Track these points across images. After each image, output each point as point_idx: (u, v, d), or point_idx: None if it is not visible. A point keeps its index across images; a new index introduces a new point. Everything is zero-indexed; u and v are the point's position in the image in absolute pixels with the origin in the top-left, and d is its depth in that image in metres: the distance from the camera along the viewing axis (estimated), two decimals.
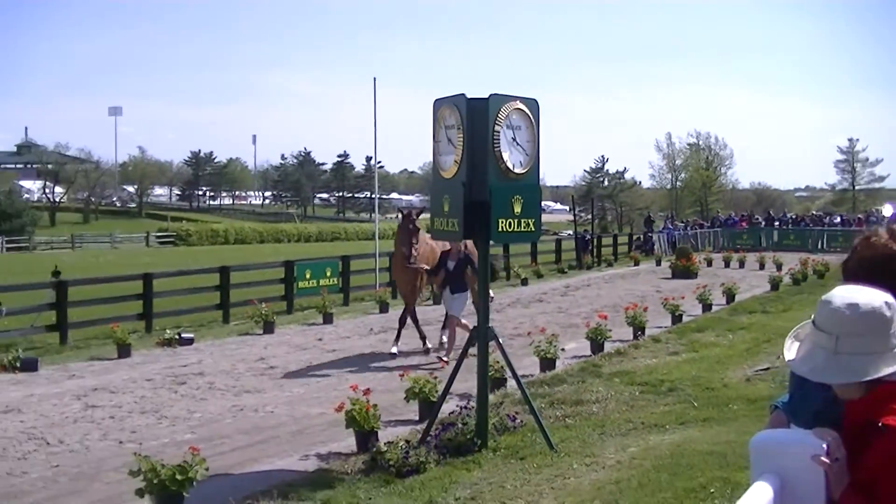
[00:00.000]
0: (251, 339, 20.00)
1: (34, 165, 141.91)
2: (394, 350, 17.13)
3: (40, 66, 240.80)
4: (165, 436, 11.57)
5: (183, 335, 19.24)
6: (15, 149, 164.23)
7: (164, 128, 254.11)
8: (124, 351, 17.56)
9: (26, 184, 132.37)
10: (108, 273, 29.97)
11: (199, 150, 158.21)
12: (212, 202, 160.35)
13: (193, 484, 8.13)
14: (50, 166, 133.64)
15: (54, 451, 10.87)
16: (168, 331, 19.46)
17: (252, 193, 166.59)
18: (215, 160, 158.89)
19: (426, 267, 16.99)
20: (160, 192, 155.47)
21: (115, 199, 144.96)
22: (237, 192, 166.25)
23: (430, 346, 17.47)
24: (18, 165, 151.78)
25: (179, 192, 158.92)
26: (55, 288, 19.62)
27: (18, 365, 16.14)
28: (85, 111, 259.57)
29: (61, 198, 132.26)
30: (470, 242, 15.65)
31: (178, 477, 8.04)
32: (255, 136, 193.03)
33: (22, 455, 10.70)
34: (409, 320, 17.63)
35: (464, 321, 16.20)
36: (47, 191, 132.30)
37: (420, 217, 17.44)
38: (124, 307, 21.16)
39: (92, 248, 77.92)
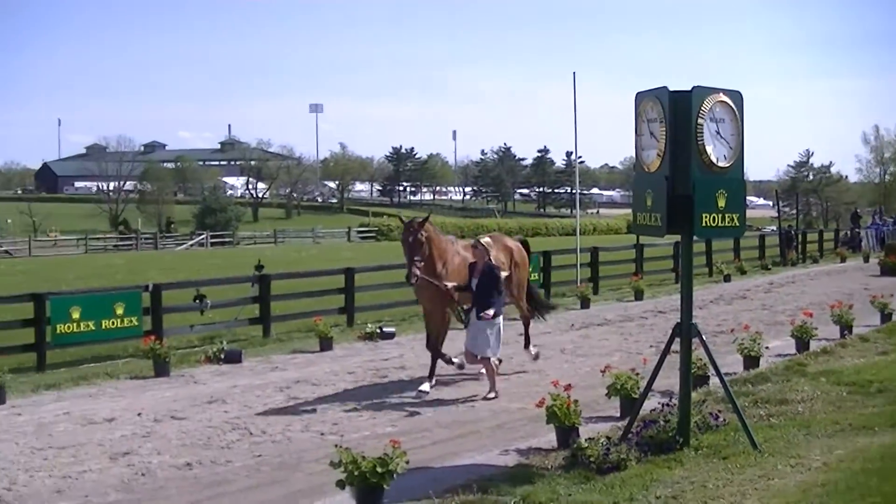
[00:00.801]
0: (451, 335, 20.10)
1: (237, 162, 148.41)
2: (425, 388, 13.71)
3: (243, 66, 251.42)
4: (366, 428, 11.81)
5: (384, 329, 19.58)
6: (219, 146, 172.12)
7: (364, 124, 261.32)
8: (326, 344, 18.03)
9: (230, 180, 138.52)
10: (310, 267, 30.75)
11: (400, 146, 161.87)
12: (412, 197, 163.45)
13: (394, 476, 8.22)
14: (253, 163, 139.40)
15: (257, 441, 11.24)
16: (369, 325, 19.85)
17: (452, 189, 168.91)
18: (416, 156, 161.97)
19: (450, 285, 13.96)
20: (361, 188, 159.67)
21: (316, 194, 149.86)
22: (437, 188, 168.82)
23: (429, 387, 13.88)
24: (222, 162, 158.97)
25: (380, 188, 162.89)
26: (258, 282, 20.31)
27: (223, 357, 16.84)
28: (286, 109, 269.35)
29: (264, 194, 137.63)
30: (498, 246, 15.04)
31: (379, 469, 8.14)
32: (454, 132, 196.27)
33: (226, 444, 11.11)
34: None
35: (494, 362, 13.82)
36: (250, 187, 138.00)
37: (426, 224, 14.02)
38: (326, 301, 21.74)
39: (294, 243, 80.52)
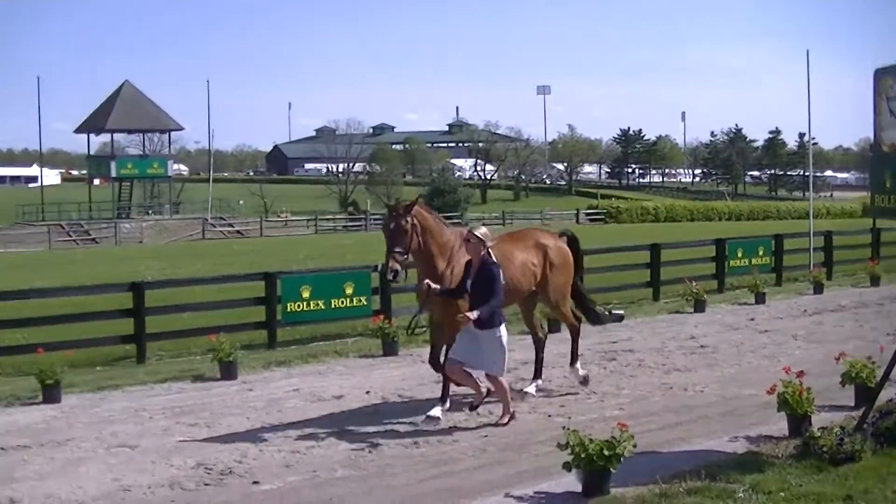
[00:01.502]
0: (681, 318, 19.91)
1: (465, 144, 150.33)
2: (436, 414, 11.35)
3: (470, 48, 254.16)
4: (594, 411, 11.79)
5: (613, 311, 19.45)
6: (447, 128, 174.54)
7: (592, 106, 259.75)
8: (555, 326, 18.04)
9: (458, 162, 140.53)
10: None
11: (628, 128, 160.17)
12: (641, 180, 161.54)
13: (620, 460, 8.18)
14: (481, 144, 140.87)
15: (483, 421, 11.39)
16: (599, 307, 19.74)
17: (681, 171, 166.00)
18: (644, 137, 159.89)
19: (435, 286, 11.19)
20: (589, 170, 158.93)
21: (544, 176, 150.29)
22: (666, 170, 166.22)
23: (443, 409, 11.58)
24: (451, 144, 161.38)
25: (608, 170, 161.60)
26: None
27: None
28: (513, 90, 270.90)
29: (492, 175, 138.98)
30: (524, 244, 12.72)
31: (606, 452, 8.12)
32: (683, 113, 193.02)
33: (452, 423, 11.28)
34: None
35: (502, 380, 11.27)
36: (478, 169, 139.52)
37: (414, 208, 11.52)
38: None
39: (523, 225, 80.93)
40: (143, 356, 16.07)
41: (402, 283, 12.03)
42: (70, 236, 70.06)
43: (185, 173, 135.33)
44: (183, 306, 18.10)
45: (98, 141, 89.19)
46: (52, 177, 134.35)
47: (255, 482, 9.24)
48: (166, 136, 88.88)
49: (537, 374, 13.05)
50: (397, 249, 11.30)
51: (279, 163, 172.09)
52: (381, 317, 16.87)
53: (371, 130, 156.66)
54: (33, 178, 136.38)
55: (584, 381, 13.08)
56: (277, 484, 9.19)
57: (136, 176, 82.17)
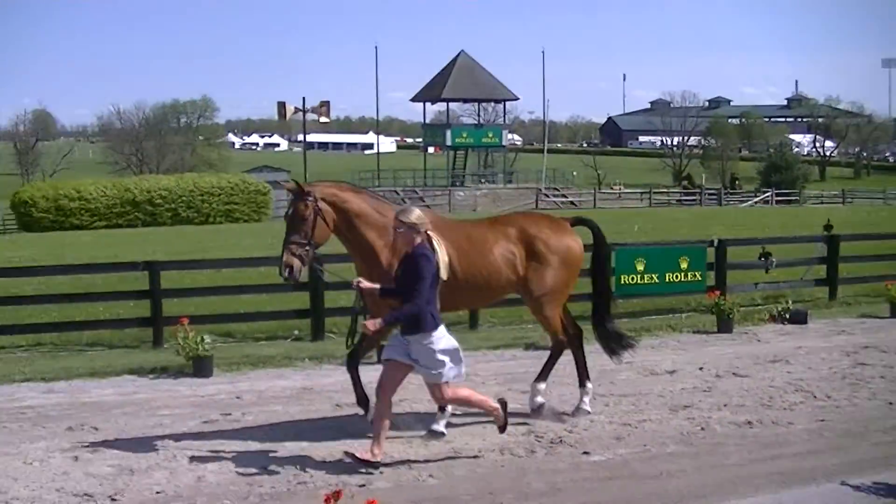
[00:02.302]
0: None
1: (804, 119, 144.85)
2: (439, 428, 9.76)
3: (810, 20, 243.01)
4: None
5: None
6: (785, 102, 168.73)
7: None
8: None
9: (796, 137, 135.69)
10: (880, 230, 29.49)
11: None
12: None
13: None
14: (820, 120, 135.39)
15: (820, 405, 11.07)
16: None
17: None
18: None
19: (364, 283, 9.25)
20: None
21: (887, 154, 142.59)
22: None
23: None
24: (788, 119, 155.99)
25: None
26: (827, 243, 19.83)
27: (787, 317, 16.74)
28: (856, 63, 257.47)
29: (831, 152, 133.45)
30: (501, 231, 10.54)
31: None
32: None
33: (788, 405, 11.05)
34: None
35: (461, 392, 9.29)
36: (817, 145, 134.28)
37: (324, 189, 9.80)
38: None
39: (863, 204, 77.18)
40: (475, 323, 16.61)
41: (300, 280, 9.95)
42: (404, 203, 72.96)
43: (518, 143, 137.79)
44: None
45: (433, 110, 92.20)
46: (387, 144, 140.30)
47: (584, 452, 9.41)
48: (501, 105, 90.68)
49: (582, 382, 11.00)
50: (294, 240, 9.54)
51: (613, 135, 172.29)
52: (717, 293, 16.66)
53: (706, 103, 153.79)
54: (369, 146, 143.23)
55: (538, 409, 10.70)
56: (607, 455, 9.32)
57: (471, 145, 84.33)
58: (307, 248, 9.55)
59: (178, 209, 56.64)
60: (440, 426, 9.69)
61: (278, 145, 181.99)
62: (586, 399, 10.86)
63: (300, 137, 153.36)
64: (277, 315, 16.58)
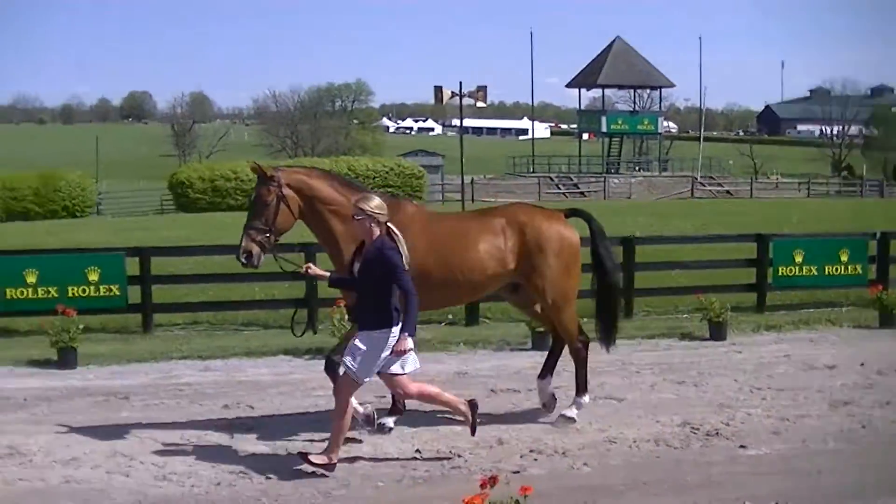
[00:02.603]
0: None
1: None
2: (388, 422, 9.70)
3: None
4: None
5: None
6: None
7: None
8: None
9: None
10: None
11: None
12: None
13: None
14: None
15: None
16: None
17: None
18: None
19: (321, 273, 9.14)
20: None
21: None
22: None
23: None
24: None
25: None
26: None
27: None
28: None
29: None
30: (487, 224, 9.89)
31: None
32: None
33: None
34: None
35: (429, 388, 9.05)
36: None
37: (288, 174, 9.43)
38: None
39: None
40: (630, 311, 16.43)
41: (257, 267, 9.43)
42: (559, 189, 72.58)
43: (673, 131, 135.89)
44: (672, 263, 18.31)
45: (588, 96, 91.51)
46: (541, 130, 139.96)
47: (741, 446, 9.24)
48: (656, 92, 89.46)
49: (579, 390, 10.23)
50: (254, 225, 9.21)
51: (770, 123, 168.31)
52: (880, 287, 16.13)
53: (869, 92, 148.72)
54: (523, 131, 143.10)
55: (569, 419, 9.97)
56: (764, 450, 9.13)
57: (626, 132, 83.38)
58: (268, 234, 9.21)
59: None
60: (390, 421, 9.53)
61: (432, 129, 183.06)
62: (577, 406, 10.12)
63: (454, 122, 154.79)
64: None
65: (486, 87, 19.29)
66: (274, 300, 16.69)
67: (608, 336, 10.58)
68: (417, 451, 9.02)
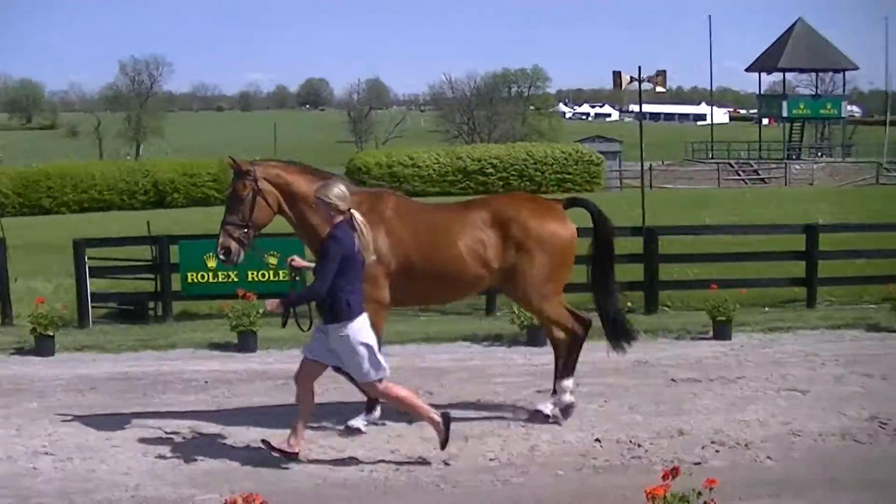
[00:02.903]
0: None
1: None
2: (356, 424, 9.36)
3: None
4: None
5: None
6: None
7: None
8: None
9: None
10: None
11: None
12: None
13: None
14: None
15: None
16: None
17: None
18: None
19: (305, 264, 8.97)
20: None
21: None
22: None
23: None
24: None
25: None
26: None
27: None
28: None
29: None
30: (472, 217, 9.44)
31: None
32: None
33: None
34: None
35: (400, 391, 8.61)
36: None
37: (263, 168, 9.28)
38: None
39: None
40: (813, 300, 15.99)
41: (237, 263, 9.45)
42: (738, 175, 71.00)
43: (857, 115, 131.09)
44: (857, 252, 17.68)
45: (768, 80, 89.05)
46: (720, 115, 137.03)
47: None
48: (839, 75, 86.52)
49: (566, 374, 9.74)
50: (231, 221, 9.14)
51: None
52: None
53: None
54: (701, 116, 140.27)
55: (556, 414, 9.61)
56: None
57: (808, 116, 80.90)
58: (246, 230, 9.15)
59: (510, 178, 57.42)
60: (358, 422, 9.30)
61: (609, 115, 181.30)
62: (552, 402, 9.70)
63: (632, 107, 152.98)
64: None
65: (665, 71, 18.90)
66: None
67: (617, 335, 10.01)
68: (597, 439, 8.97)
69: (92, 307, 15.46)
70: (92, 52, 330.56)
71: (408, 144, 74.43)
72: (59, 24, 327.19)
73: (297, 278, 9.54)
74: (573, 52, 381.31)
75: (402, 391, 8.59)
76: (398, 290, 9.23)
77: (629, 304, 15.60)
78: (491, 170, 57.53)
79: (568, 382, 9.64)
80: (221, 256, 9.24)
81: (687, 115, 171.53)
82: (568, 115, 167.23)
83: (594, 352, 12.45)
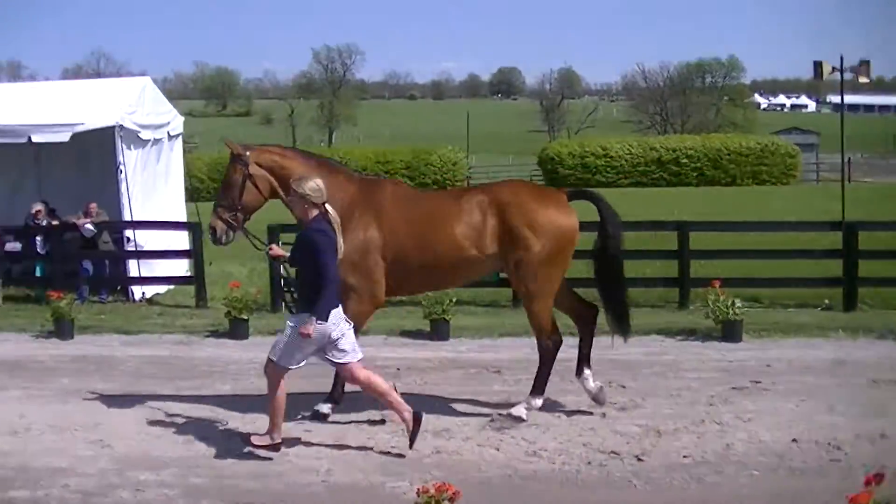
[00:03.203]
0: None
1: None
2: (324, 409, 9.56)
3: None
4: None
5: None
6: None
7: None
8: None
9: None
10: None
11: None
12: None
13: None
14: None
15: None
16: None
17: None
18: None
19: (276, 250, 9.14)
20: None
21: None
22: None
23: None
24: None
25: None
26: None
27: None
28: None
29: None
30: (460, 206, 9.30)
31: None
32: None
33: None
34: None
35: (375, 380, 8.56)
36: None
37: (256, 153, 9.39)
38: None
39: None
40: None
41: (226, 244, 9.61)
42: None
43: None
44: None
45: None
46: None
47: None
48: None
49: (535, 390, 9.50)
50: (221, 203, 9.37)
51: None
52: None
53: None
54: None
55: (518, 418, 9.26)
56: None
57: None
58: (236, 213, 9.32)
59: (704, 169, 56.14)
60: (325, 408, 9.44)
61: (805, 107, 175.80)
62: (527, 405, 9.42)
63: (829, 98, 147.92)
64: (808, 282, 15.71)
65: (869, 61, 18.15)
66: (645, 279, 16.31)
67: (621, 324, 9.98)
68: (794, 440, 8.68)
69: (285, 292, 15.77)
70: (286, 40, 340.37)
71: (600, 135, 73.76)
72: (255, 13, 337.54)
73: (284, 272, 9.68)
74: (770, 40, 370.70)
75: (380, 384, 8.58)
76: (394, 278, 9.29)
77: (826, 301, 15.07)
78: (685, 160, 56.32)
79: (537, 401, 9.48)
80: (209, 237, 9.59)
81: (888, 106, 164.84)
82: (763, 106, 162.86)
83: (790, 349, 12.14)
